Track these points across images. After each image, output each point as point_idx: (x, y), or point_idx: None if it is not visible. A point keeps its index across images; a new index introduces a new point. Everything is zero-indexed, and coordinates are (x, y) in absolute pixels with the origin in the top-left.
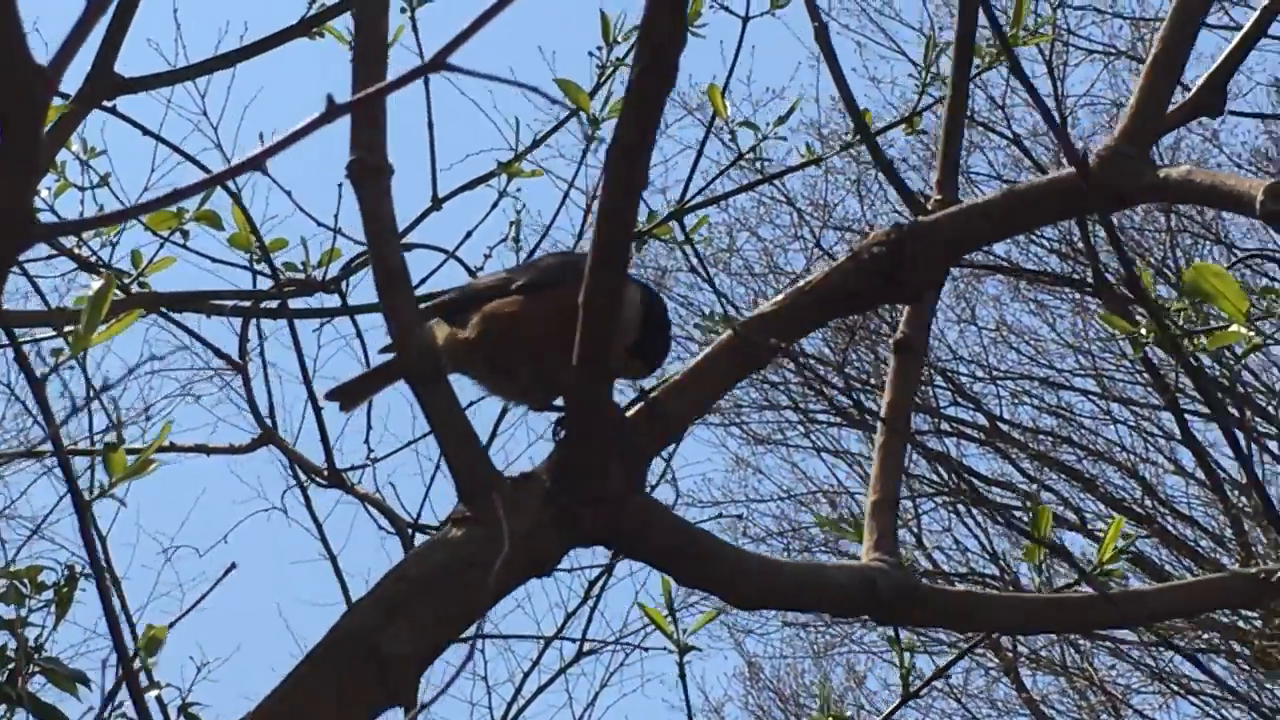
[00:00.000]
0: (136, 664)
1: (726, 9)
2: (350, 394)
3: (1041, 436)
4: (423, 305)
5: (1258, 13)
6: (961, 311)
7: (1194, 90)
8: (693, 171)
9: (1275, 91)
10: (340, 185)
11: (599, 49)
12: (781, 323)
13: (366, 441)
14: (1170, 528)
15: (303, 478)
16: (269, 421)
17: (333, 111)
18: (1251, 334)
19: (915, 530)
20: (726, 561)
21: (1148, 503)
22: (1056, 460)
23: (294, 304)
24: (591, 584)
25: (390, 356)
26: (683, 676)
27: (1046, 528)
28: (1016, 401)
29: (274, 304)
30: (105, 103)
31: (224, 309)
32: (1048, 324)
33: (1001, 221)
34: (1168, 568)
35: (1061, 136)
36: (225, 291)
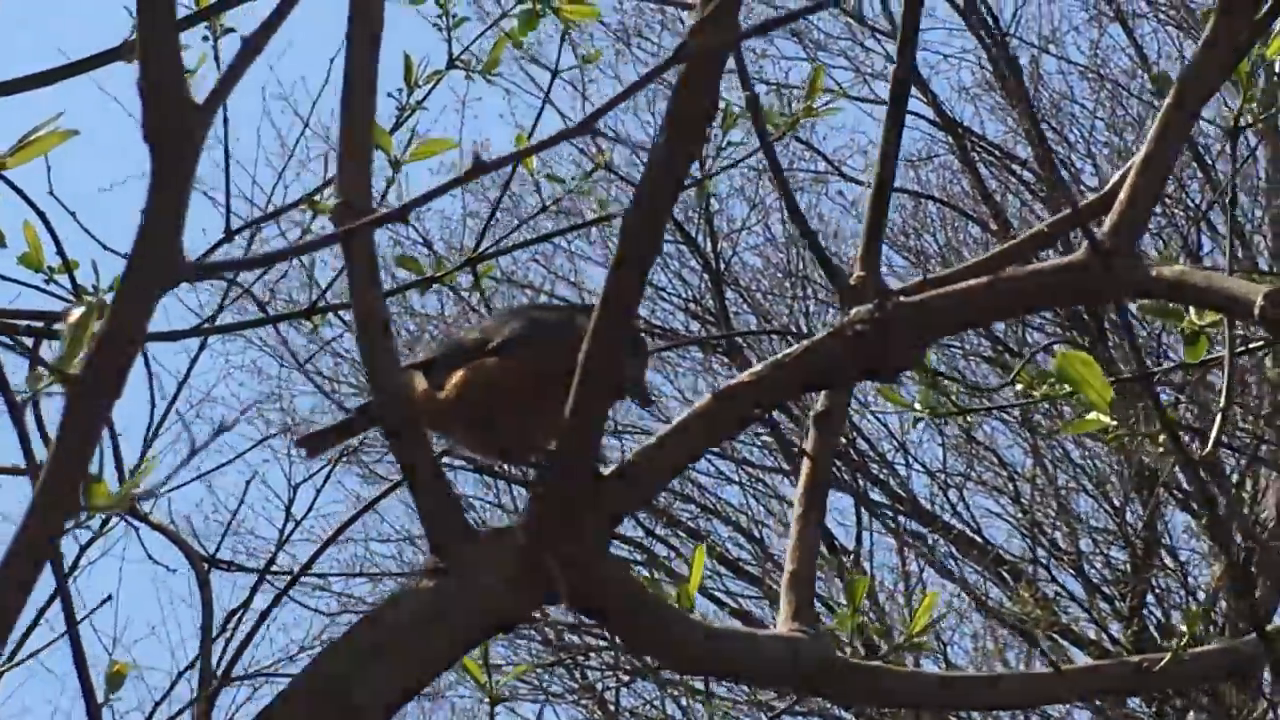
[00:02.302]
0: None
1: (536, 61)
2: (316, 443)
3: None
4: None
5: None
6: None
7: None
8: (490, 220)
9: (909, 167)
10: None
11: (399, 90)
12: (759, 394)
13: (119, 466)
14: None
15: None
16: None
17: (478, 169)
18: (1114, 423)
19: None
20: (675, 626)
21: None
22: (674, 517)
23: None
24: (231, 614)
25: (356, 408)
26: None
27: (861, 596)
28: None
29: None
30: None
31: (17, 329)
32: (668, 379)
33: (994, 307)
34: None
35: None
36: (20, 311)
